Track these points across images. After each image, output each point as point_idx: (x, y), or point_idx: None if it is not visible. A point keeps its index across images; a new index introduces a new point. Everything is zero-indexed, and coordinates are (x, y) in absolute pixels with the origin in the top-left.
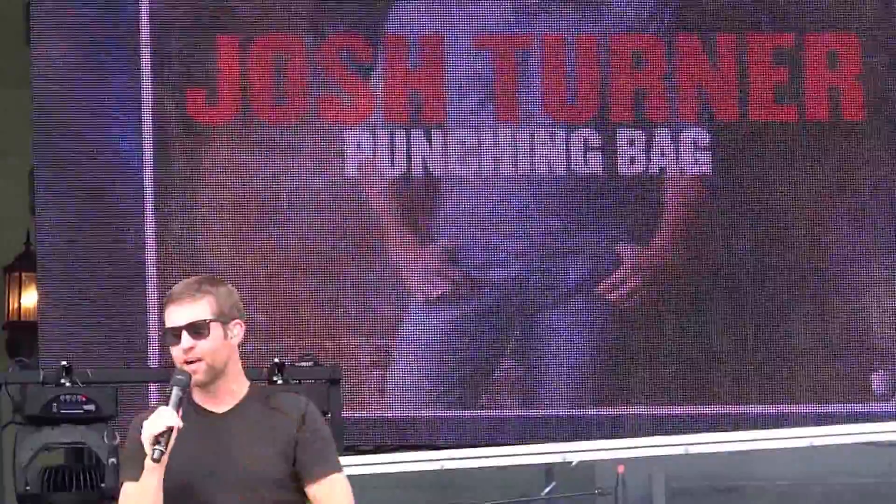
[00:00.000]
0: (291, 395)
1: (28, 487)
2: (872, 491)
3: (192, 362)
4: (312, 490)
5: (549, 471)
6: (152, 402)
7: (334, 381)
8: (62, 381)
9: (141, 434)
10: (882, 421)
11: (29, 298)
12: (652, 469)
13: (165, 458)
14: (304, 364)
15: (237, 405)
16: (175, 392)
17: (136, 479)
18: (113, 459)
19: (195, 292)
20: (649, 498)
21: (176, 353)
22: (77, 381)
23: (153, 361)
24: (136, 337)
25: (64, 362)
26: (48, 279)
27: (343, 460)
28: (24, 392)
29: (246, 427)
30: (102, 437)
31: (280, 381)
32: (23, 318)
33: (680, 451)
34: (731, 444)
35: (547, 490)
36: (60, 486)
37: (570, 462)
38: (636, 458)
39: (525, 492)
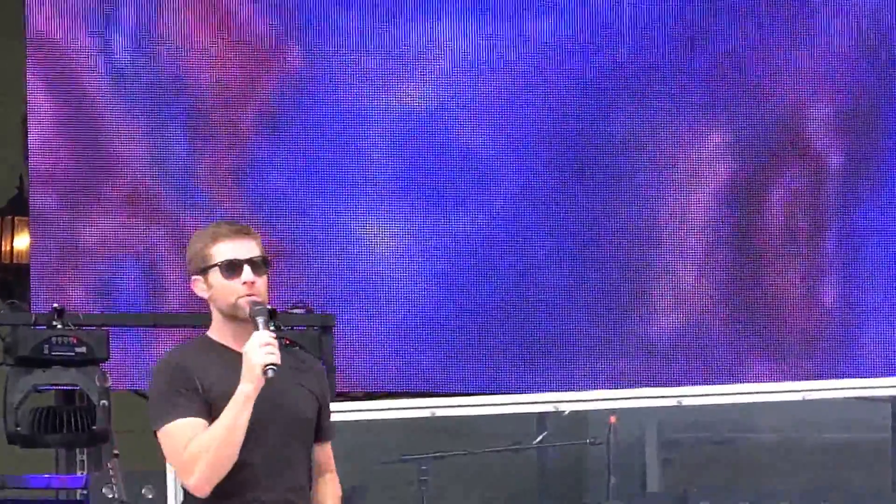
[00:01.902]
0: (302, 352)
1: (18, 428)
2: (865, 445)
3: (243, 297)
4: (317, 449)
5: (541, 420)
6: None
7: (326, 329)
8: (54, 323)
9: (179, 374)
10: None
11: (21, 242)
12: (644, 420)
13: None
14: (296, 311)
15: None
16: (263, 320)
17: (194, 415)
18: (104, 401)
19: (249, 231)
20: (641, 448)
21: (232, 285)
22: (69, 323)
23: (143, 305)
24: (127, 280)
25: (55, 304)
26: (40, 223)
27: (335, 406)
28: (16, 334)
29: (280, 372)
30: (94, 380)
31: (272, 328)
32: (15, 262)
33: (672, 402)
34: (723, 396)
35: (539, 439)
36: (51, 427)
37: (563, 411)
38: (628, 409)
39: (517, 440)
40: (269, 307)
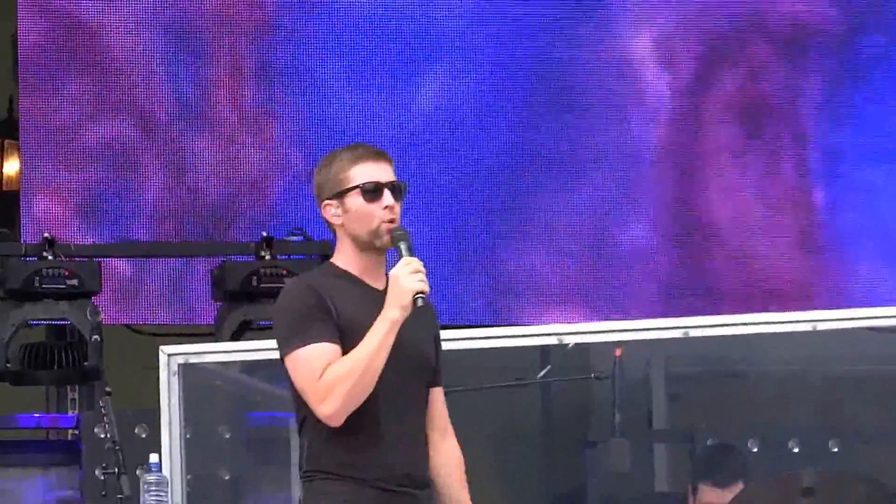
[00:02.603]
0: None
1: (8, 364)
2: (875, 376)
3: (387, 223)
4: (432, 393)
5: (544, 354)
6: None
7: (325, 256)
8: (45, 254)
9: (313, 297)
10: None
11: (11, 167)
12: (650, 353)
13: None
14: (294, 239)
15: (387, 285)
16: (406, 247)
17: (329, 340)
18: (96, 336)
19: (387, 155)
20: (647, 382)
21: (373, 210)
22: (60, 254)
23: (138, 235)
24: (120, 210)
25: (46, 234)
26: (31, 147)
27: None
28: (5, 265)
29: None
30: (86, 314)
31: (268, 256)
32: (5, 189)
33: (679, 334)
34: (731, 327)
35: (542, 373)
36: (41, 363)
37: (567, 344)
38: (634, 342)
39: (520, 375)
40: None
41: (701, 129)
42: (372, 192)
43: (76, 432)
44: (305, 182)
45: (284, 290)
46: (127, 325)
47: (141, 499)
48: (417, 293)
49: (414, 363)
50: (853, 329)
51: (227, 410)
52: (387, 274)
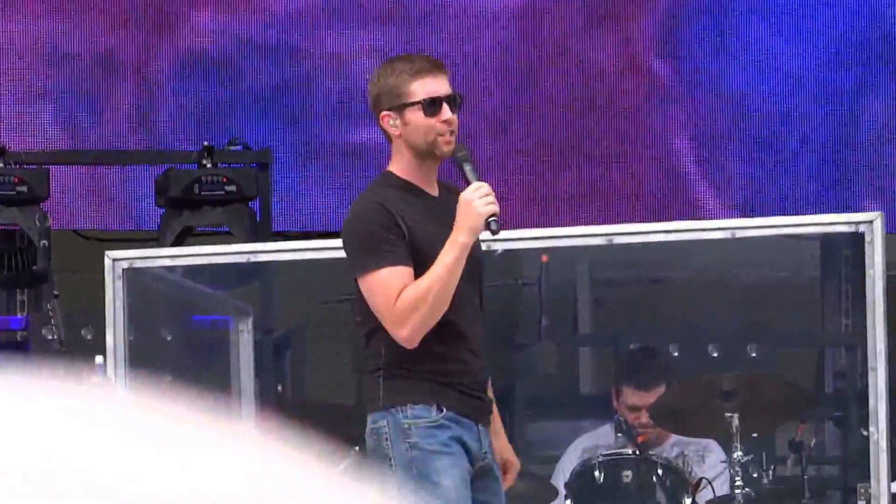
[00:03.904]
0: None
1: None
2: (792, 282)
3: (444, 135)
4: None
5: None
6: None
7: (264, 166)
8: None
9: (384, 216)
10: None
11: None
12: (576, 259)
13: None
14: (234, 148)
15: (440, 191)
16: (470, 168)
17: (403, 263)
18: (45, 241)
19: (444, 67)
20: (573, 288)
21: (432, 123)
22: (10, 161)
23: (90, 143)
24: (71, 116)
25: None
26: None
27: (271, 246)
28: None
29: (450, 210)
30: (34, 220)
31: (210, 165)
32: None
33: (603, 241)
34: (654, 234)
35: None
36: None
37: (495, 251)
38: (560, 248)
39: None
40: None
41: None
42: (431, 106)
43: (25, 334)
44: (244, 93)
45: (356, 208)
46: (74, 231)
47: None
48: (490, 216)
49: (471, 268)
50: (771, 237)
51: (169, 313)
52: (446, 185)
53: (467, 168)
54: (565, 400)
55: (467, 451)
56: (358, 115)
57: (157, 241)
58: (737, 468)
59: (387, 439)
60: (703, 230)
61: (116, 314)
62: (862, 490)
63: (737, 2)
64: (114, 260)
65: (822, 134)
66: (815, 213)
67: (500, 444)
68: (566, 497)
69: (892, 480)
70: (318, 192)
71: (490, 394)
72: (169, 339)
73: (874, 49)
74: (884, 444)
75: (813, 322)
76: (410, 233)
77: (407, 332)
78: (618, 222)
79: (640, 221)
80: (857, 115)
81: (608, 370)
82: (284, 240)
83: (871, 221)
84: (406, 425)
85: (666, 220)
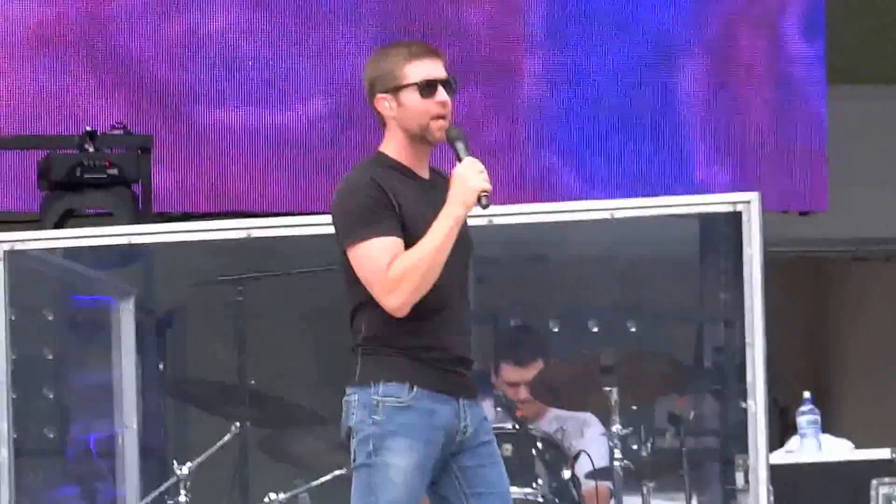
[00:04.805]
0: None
1: None
2: (670, 259)
3: (440, 118)
4: None
5: None
6: None
7: (145, 150)
8: None
9: (377, 191)
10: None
11: None
12: None
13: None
14: (115, 132)
15: (432, 176)
16: (463, 146)
17: (395, 234)
18: None
19: (439, 51)
20: None
21: (427, 105)
22: None
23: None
24: None
25: None
26: None
27: (152, 228)
28: None
29: (441, 195)
30: None
31: (92, 150)
32: None
33: (484, 221)
34: (534, 215)
35: None
36: None
37: None
38: None
39: (332, 260)
40: (465, 132)
41: None
42: (426, 89)
43: None
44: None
45: (348, 183)
46: None
47: None
48: (482, 192)
49: (460, 247)
50: (649, 216)
51: (50, 294)
52: (431, 167)
53: (459, 146)
54: None
55: (440, 430)
56: (237, 97)
57: (38, 224)
58: (615, 441)
59: (353, 413)
60: (583, 210)
61: None
62: (740, 462)
63: None
64: None
65: (698, 114)
66: (696, 192)
67: None
68: None
69: (770, 452)
70: (199, 175)
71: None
72: (50, 318)
73: None
74: (761, 416)
75: (692, 298)
76: (402, 210)
77: (397, 301)
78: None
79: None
80: (738, 98)
81: (488, 347)
82: (166, 221)
83: (749, 202)
84: (375, 402)
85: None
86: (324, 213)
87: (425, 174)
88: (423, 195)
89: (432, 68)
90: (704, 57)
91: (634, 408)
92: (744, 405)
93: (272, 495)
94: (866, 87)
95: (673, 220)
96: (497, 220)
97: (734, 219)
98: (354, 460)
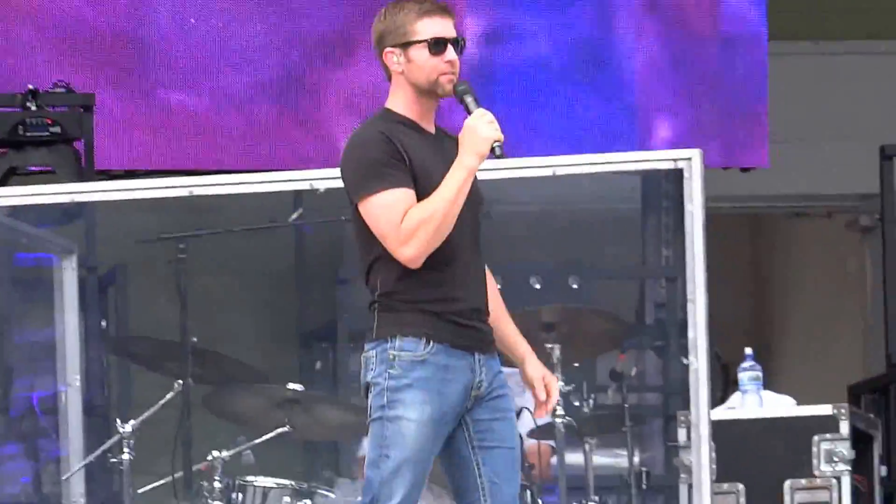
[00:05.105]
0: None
1: None
2: (611, 216)
3: (446, 75)
4: None
5: (297, 197)
6: None
7: (87, 108)
8: None
9: (388, 144)
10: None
11: None
12: None
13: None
14: (57, 90)
15: (437, 132)
16: (472, 99)
17: (408, 187)
18: None
19: (451, 10)
20: None
21: (436, 63)
22: None
23: None
24: None
25: None
26: None
27: (94, 186)
28: None
29: (454, 151)
30: None
31: (34, 108)
32: None
33: None
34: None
35: (294, 216)
36: None
37: (318, 189)
38: None
39: (273, 217)
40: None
41: None
42: (436, 46)
43: None
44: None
45: (357, 137)
46: None
47: None
48: (496, 141)
49: (470, 200)
50: (591, 172)
51: None
52: (436, 125)
53: (468, 99)
54: None
55: (456, 384)
56: (181, 56)
57: None
58: (558, 398)
59: (372, 368)
60: (525, 168)
61: None
62: (682, 418)
63: None
64: None
65: (640, 71)
66: (638, 149)
67: (530, 368)
68: None
69: (711, 408)
70: (141, 133)
71: (504, 316)
72: None
73: None
74: (703, 372)
75: (634, 255)
76: (412, 163)
77: (412, 252)
78: None
79: None
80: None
81: None
82: (108, 179)
83: (690, 158)
84: (391, 356)
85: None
86: (265, 170)
87: (432, 129)
88: (431, 149)
89: (442, 26)
90: (647, 13)
91: (576, 364)
92: (686, 361)
93: (215, 453)
94: (807, 44)
95: (615, 177)
96: None
97: (676, 176)
98: (371, 414)
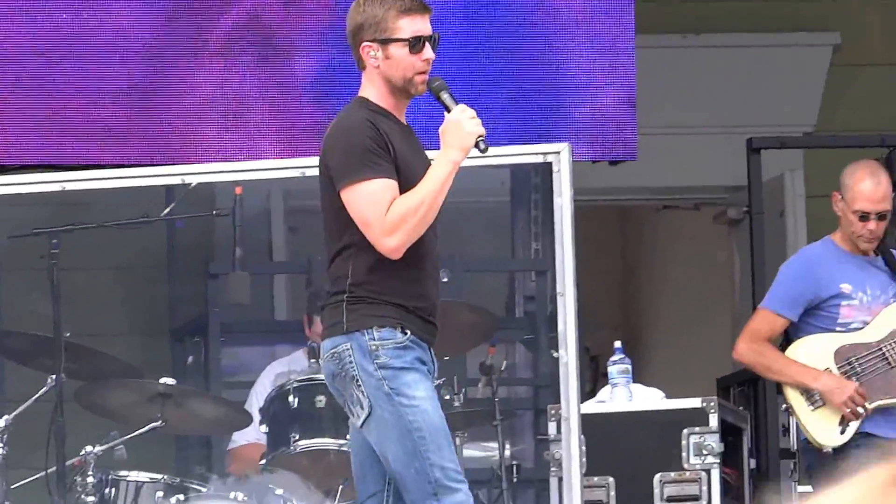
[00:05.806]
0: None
1: None
2: (484, 209)
3: (421, 74)
4: None
5: (169, 192)
6: None
7: None
8: None
9: (375, 133)
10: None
11: None
12: (270, 189)
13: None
14: None
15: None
16: (449, 95)
17: (393, 177)
18: None
19: (429, 7)
20: (267, 216)
21: (413, 61)
22: None
23: None
24: None
25: None
26: None
27: None
28: None
29: (420, 146)
30: None
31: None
32: None
33: (297, 173)
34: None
35: (167, 211)
36: None
37: (189, 184)
38: (255, 181)
39: (146, 212)
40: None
41: None
42: (416, 45)
43: None
44: None
45: (345, 123)
46: None
47: None
48: (479, 136)
49: None
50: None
51: None
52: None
53: (445, 95)
54: (260, 327)
55: (426, 371)
56: (51, 48)
57: None
58: None
59: (351, 361)
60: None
61: None
62: (552, 411)
63: None
64: None
65: (492, 62)
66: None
67: None
68: (261, 422)
69: (581, 402)
70: (13, 127)
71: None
72: None
73: None
74: (572, 366)
75: (503, 248)
76: (395, 153)
77: (395, 242)
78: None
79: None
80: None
81: (302, 298)
82: None
83: (559, 152)
84: (373, 347)
85: None
86: (136, 165)
87: (404, 121)
88: (408, 141)
89: (422, 24)
90: (512, 5)
91: (446, 358)
92: (555, 354)
93: (89, 447)
94: (674, 37)
95: (484, 171)
96: (309, 173)
97: (544, 169)
98: (370, 409)
